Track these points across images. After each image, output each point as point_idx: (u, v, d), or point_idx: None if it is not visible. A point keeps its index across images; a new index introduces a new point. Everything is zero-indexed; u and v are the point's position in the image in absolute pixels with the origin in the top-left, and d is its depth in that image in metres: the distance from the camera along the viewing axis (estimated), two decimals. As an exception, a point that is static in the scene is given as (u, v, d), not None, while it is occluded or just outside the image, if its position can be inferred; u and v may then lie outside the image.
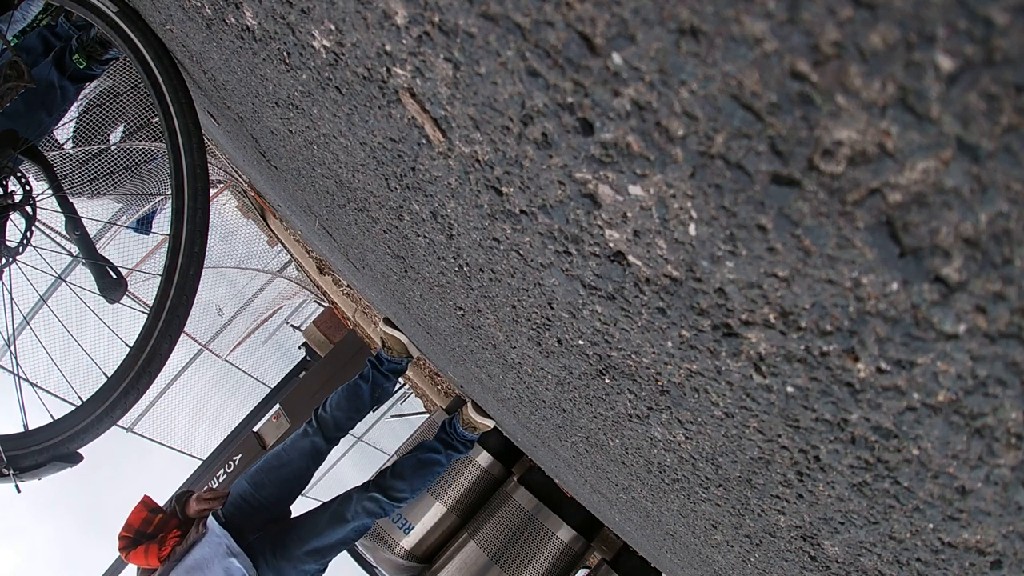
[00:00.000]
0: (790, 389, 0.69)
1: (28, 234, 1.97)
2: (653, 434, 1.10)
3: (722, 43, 0.42)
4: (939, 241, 0.44)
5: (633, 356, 0.89)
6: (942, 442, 0.59)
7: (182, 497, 2.91)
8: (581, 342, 0.99)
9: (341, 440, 3.38)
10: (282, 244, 7.36)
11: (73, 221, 1.99)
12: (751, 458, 0.90)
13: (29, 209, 1.97)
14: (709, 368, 0.77)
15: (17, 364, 1.96)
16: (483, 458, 4.41)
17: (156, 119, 1.79)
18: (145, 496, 2.74)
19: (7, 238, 1.96)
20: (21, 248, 1.97)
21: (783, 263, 0.54)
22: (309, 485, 3.26)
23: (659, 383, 0.90)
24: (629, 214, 0.63)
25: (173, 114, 1.70)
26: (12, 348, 2.01)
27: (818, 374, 0.63)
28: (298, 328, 10.06)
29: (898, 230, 0.45)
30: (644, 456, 1.27)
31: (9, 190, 1.96)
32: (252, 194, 6.23)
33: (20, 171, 1.98)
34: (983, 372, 0.50)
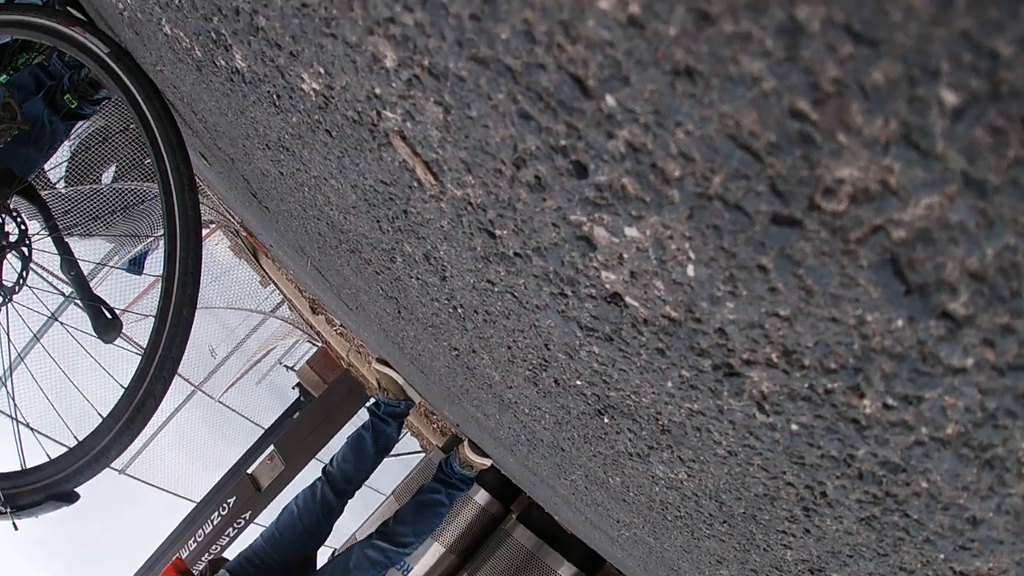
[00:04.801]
0: (794, 427, 0.68)
1: (24, 274, 1.97)
2: (654, 472, 1.09)
3: (719, 83, 0.41)
4: (945, 276, 0.43)
5: (632, 396, 0.87)
6: (952, 474, 0.58)
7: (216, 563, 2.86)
8: (579, 382, 0.97)
9: (356, 493, 3.32)
10: (275, 284, 7.35)
11: (69, 261, 1.99)
12: (756, 495, 0.88)
13: (25, 249, 1.97)
14: (711, 407, 0.75)
15: (13, 403, 1.95)
16: (481, 496, 4.36)
17: (148, 160, 1.79)
18: (176, 559, 2.69)
19: (3, 278, 1.96)
20: (17, 288, 1.96)
21: (785, 303, 0.53)
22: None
23: (659, 423, 0.89)
24: (625, 256, 0.62)
25: (164, 155, 1.70)
26: (9, 387, 2.00)
27: (823, 411, 0.62)
28: (292, 368, 10.00)
29: (903, 267, 0.44)
30: (646, 494, 1.25)
31: (5, 230, 1.96)
32: (244, 234, 6.23)
33: (16, 210, 1.98)
34: (992, 404, 0.50)
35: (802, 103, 0.39)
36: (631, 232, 0.58)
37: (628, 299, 0.68)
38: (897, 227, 0.42)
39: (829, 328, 0.53)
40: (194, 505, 7.61)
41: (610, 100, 0.48)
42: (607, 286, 0.69)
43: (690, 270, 0.57)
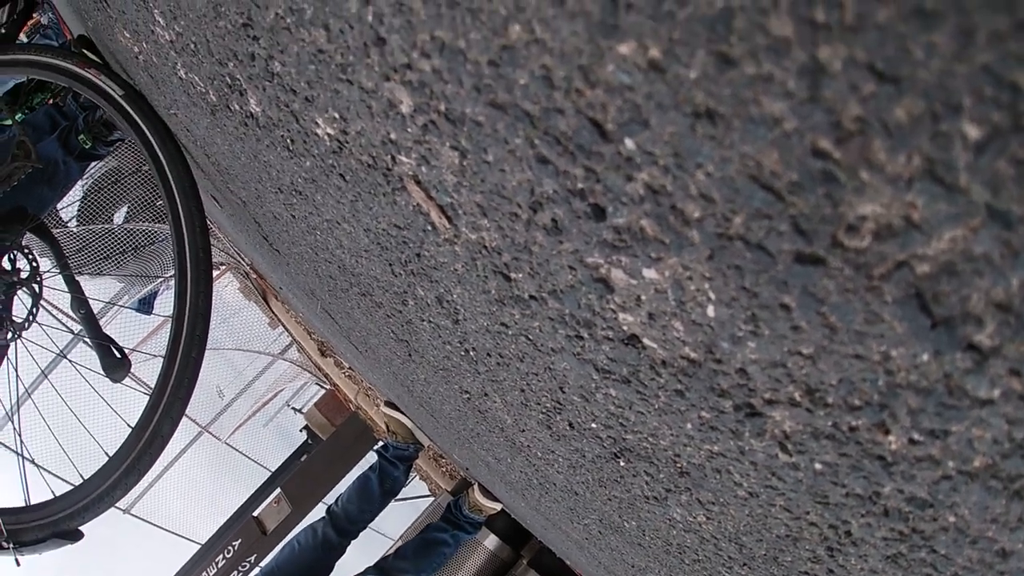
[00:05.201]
0: (818, 466, 0.66)
1: (34, 311, 1.99)
2: (672, 515, 1.07)
3: (740, 125, 0.42)
4: (970, 308, 0.43)
5: (650, 439, 0.86)
6: (980, 507, 0.57)
7: None
8: (594, 425, 0.96)
9: (360, 534, 3.28)
10: (283, 326, 7.35)
11: (79, 300, 2.00)
12: (777, 536, 0.87)
13: (36, 286, 1.99)
14: (732, 449, 0.74)
15: (20, 440, 1.95)
16: (490, 541, 4.28)
17: (160, 202, 1.81)
18: None
19: (13, 314, 1.98)
20: (27, 324, 1.98)
21: (808, 341, 0.53)
22: None
23: (678, 465, 0.88)
24: (643, 297, 0.62)
25: (177, 198, 1.72)
26: (16, 424, 2.01)
27: (848, 449, 0.61)
28: (299, 411, 9.96)
29: (928, 301, 0.44)
30: (662, 537, 1.23)
31: (17, 266, 1.99)
32: (254, 276, 6.25)
33: (28, 248, 2.01)
34: (1020, 434, 0.49)
35: (824, 142, 0.39)
36: (649, 274, 0.58)
37: (646, 341, 0.67)
38: (921, 261, 0.42)
39: (853, 365, 0.52)
40: (198, 547, 7.52)
41: (629, 143, 0.48)
42: (624, 328, 0.68)
43: (710, 311, 0.57)
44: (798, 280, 0.48)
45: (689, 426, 0.76)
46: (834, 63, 0.36)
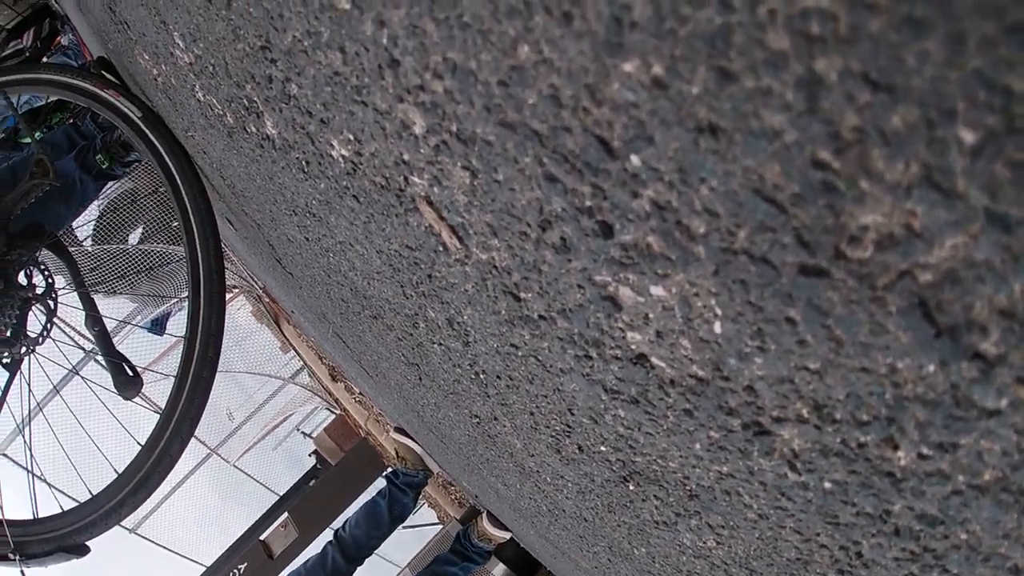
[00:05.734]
0: (828, 485, 0.66)
1: (48, 326, 2.01)
2: (682, 541, 1.06)
3: (741, 138, 0.42)
4: (974, 316, 0.43)
5: (659, 461, 0.86)
6: (991, 523, 0.56)
7: None
8: (603, 448, 0.96)
9: (366, 560, 3.27)
10: (295, 350, 7.37)
11: (93, 318, 2.02)
12: (788, 559, 0.85)
13: (50, 302, 2.01)
14: (741, 469, 0.74)
15: (31, 453, 1.97)
16: (499, 571, 4.22)
17: (175, 223, 1.83)
18: None
19: (27, 329, 2.00)
20: (41, 340, 2.00)
21: (814, 355, 0.53)
22: None
23: (687, 487, 0.87)
24: (651, 315, 0.62)
25: (192, 219, 1.74)
26: (27, 437, 2.02)
27: (857, 466, 0.61)
28: (309, 435, 9.92)
29: (932, 310, 0.44)
30: (672, 564, 1.21)
31: (32, 282, 2.01)
32: (267, 300, 6.29)
33: (44, 264, 2.03)
34: None
35: (824, 153, 0.40)
36: (657, 291, 0.59)
37: (654, 359, 0.68)
38: (924, 270, 0.42)
39: (860, 379, 0.52)
40: (204, 569, 7.47)
41: (635, 160, 0.49)
42: (633, 347, 0.68)
43: (717, 327, 0.57)
44: (802, 292, 0.48)
45: (698, 446, 0.76)
46: (830, 74, 0.37)
